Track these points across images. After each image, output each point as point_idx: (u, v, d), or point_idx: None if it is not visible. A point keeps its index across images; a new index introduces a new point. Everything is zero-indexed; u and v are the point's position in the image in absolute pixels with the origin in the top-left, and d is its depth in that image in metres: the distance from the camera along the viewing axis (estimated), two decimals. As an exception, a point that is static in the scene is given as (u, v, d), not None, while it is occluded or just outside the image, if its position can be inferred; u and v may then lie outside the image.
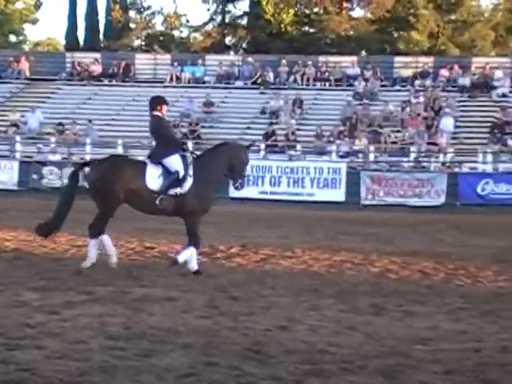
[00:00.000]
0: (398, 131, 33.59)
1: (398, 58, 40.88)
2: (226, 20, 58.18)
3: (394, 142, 32.85)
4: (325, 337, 8.08)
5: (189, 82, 39.67)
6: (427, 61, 39.55)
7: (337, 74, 38.95)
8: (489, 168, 31.18)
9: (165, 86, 39.38)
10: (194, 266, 11.83)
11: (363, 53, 41.86)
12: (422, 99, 35.67)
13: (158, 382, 6.44)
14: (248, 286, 10.90)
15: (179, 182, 11.74)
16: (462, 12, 55.10)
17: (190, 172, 11.80)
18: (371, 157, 32.06)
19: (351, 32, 54.45)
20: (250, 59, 40.33)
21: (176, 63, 40.32)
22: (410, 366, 7.04)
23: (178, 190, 11.74)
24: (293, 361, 7.09)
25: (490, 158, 31.79)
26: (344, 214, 24.80)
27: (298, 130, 34.39)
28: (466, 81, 37.28)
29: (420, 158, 31.79)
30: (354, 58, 40.24)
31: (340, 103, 36.38)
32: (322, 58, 40.43)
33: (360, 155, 32.22)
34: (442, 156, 32.39)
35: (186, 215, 11.91)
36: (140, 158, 12.95)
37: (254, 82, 38.95)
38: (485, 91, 36.88)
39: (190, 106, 36.37)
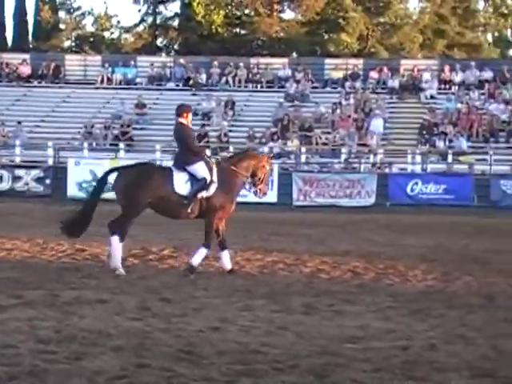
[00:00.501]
0: (329, 133, 33.90)
1: (328, 60, 41.23)
2: (158, 21, 57.93)
3: (325, 144, 33.13)
4: (257, 337, 8.12)
5: (120, 84, 39.40)
6: (357, 63, 39.99)
7: (268, 76, 39.13)
8: (418, 169, 31.68)
9: (96, 88, 39.08)
10: (195, 262, 12.26)
11: (294, 55, 42.10)
12: (352, 101, 36.07)
13: (90, 385, 6.40)
14: (180, 288, 10.89)
15: (206, 186, 12.25)
16: (390, 15, 55.81)
17: (214, 177, 12.32)
18: (303, 158, 32.28)
19: (282, 34, 54.72)
20: (181, 61, 40.24)
21: (107, 64, 40.02)
22: (340, 364, 7.12)
23: (205, 194, 12.25)
24: (225, 361, 7.11)
25: (418, 158, 32.31)
26: (276, 215, 24.92)
27: (230, 131, 34.47)
28: (395, 83, 37.82)
29: (350, 159, 32.15)
30: (285, 60, 40.47)
31: (271, 105, 36.54)
32: (253, 60, 40.60)
33: (292, 156, 32.43)
34: (372, 157, 32.81)
35: (208, 217, 12.39)
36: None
37: (186, 84, 38.89)
38: (413, 93, 37.47)
39: (121, 107, 36.12)
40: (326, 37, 55.64)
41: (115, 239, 12.02)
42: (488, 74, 37.50)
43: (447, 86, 37.52)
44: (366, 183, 29.56)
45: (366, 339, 8.16)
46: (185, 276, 11.93)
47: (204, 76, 38.97)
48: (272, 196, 29.34)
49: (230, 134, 34.08)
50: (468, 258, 14.93)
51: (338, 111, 35.30)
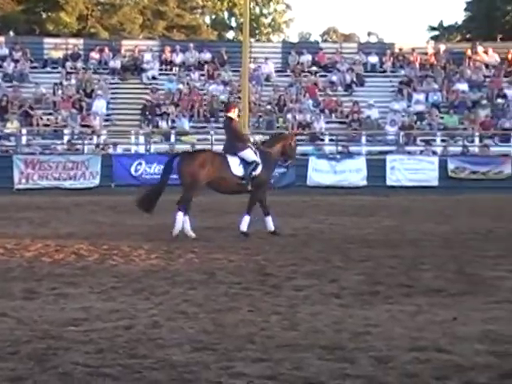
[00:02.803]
0: (51, 114, 33.19)
1: (47, 40, 40.25)
2: None
3: (46, 125, 32.41)
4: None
5: None
6: (77, 43, 39.35)
7: (-16, 55, 37.56)
8: (141, 149, 31.87)
9: None
10: (244, 227, 15.17)
11: (11, 33, 40.66)
12: (73, 81, 35.54)
13: None
14: None
15: (255, 167, 15.15)
16: (110, -5, 55.44)
17: (258, 159, 15.21)
18: (23, 140, 31.37)
19: (-3, 11, 52.63)
20: None
21: None
22: (62, 348, 7.00)
23: (255, 173, 15.16)
24: None
25: (142, 139, 32.52)
26: (-4, 199, 24.05)
27: None
28: (116, 63, 37.66)
29: (73, 141, 31.70)
30: (2, 39, 38.99)
31: (-10, 85, 35.08)
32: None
33: (12, 138, 31.40)
34: (95, 138, 32.59)
35: (256, 190, 15.27)
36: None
37: None
38: (135, 74, 37.53)
39: None
40: (45, 16, 54.22)
41: (179, 214, 14.84)
42: (207, 56, 38.38)
43: (168, 67, 37.94)
44: (90, 164, 29.29)
45: (90, 321, 8.08)
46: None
47: None
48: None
49: None
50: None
51: (60, 92, 34.65)
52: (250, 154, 15.20)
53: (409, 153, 31.19)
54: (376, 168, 29.23)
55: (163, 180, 15.23)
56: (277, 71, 38.27)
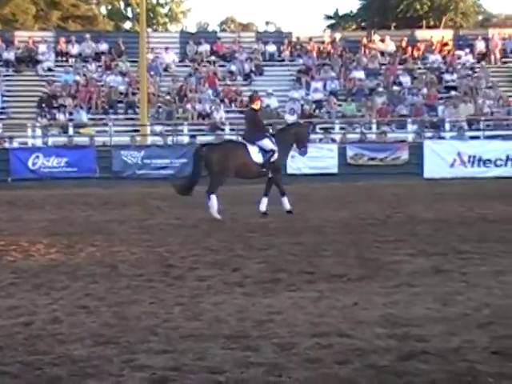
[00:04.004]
0: None
1: None
2: None
3: None
4: None
5: None
6: (-32, 35, 38.29)
7: None
8: (38, 142, 31.30)
9: None
10: (287, 206, 16.89)
11: None
12: (-35, 74, 34.61)
13: None
14: None
15: (273, 154, 16.79)
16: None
17: (275, 147, 16.82)
18: None
19: None
20: None
21: None
22: (-40, 347, 6.83)
23: (272, 159, 16.81)
24: None
25: (39, 132, 31.94)
26: None
27: None
28: (10, 55, 36.84)
29: (-32, 135, 30.89)
30: None
31: None
32: None
33: None
34: (-9, 132, 31.83)
35: (274, 174, 16.94)
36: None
37: None
38: (30, 65, 36.78)
39: None
40: None
41: (213, 198, 16.34)
42: (104, 46, 37.90)
43: (64, 58, 37.32)
44: (-15, 159, 28.59)
45: (-13, 319, 7.91)
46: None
47: None
48: None
49: None
50: (92, 229, 15.04)
51: (-49, 85, 33.70)
52: (268, 143, 16.86)
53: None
54: (277, 157, 29.49)
55: (197, 169, 16.87)
56: (176, 61, 38.09)
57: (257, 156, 16.76)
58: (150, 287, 9.44)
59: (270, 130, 18.93)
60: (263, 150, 16.81)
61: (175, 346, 6.80)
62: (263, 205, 16.84)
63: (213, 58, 38.19)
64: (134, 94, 34.53)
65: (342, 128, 33.24)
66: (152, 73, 35.58)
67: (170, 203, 20.14)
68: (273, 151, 16.81)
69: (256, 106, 17.34)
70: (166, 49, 37.90)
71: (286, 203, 16.93)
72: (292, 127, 18.22)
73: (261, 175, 17.10)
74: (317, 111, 34.37)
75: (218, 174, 16.59)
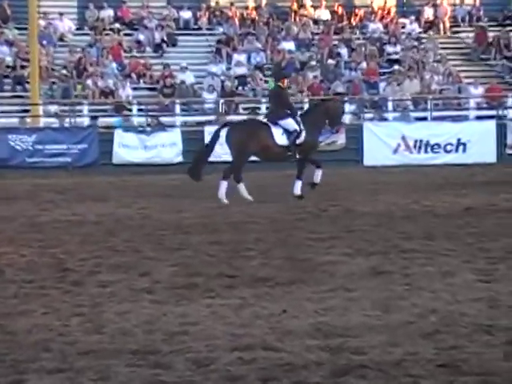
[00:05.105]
0: None
1: None
2: None
3: None
4: None
5: None
6: None
7: None
8: None
9: None
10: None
11: None
12: None
13: None
14: None
15: (298, 136, 18.07)
16: None
17: (302, 127, 18.09)
18: None
19: None
20: None
21: None
22: None
23: (298, 141, 18.11)
24: None
25: None
26: None
27: None
28: None
29: None
30: None
31: None
32: None
33: None
34: None
35: (302, 157, 18.37)
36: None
37: None
38: None
39: None
40: None
41: (223, 183, 17.92)
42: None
43: None
44: None
45: None
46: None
47: None
48: None
49: None
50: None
51: None
52: (291, 123, 18.17)
53: (230, 123, 31.53)
54: (193, 141, 29.27)
55: (209, 147, 18.48)
56: (73, 29, 37.70)
57: (281, 138, 18.14)
58: (42, 295, 9.39)
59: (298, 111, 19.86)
60: (287, 132, 18.17)
61: (72, 364, 6.78)
62: (297, 188, 18.34)
63: (117, 25, 37.89)
64: (23, 67, 34.04)
65: (268, 108, 33.29)
66: (44, 42, 35.13)
67: (67, 196, 20.02)
68: (297, 132, 18.09)
69: (283, 84, 18.96)
70: (61, 14, 37.45)
71: (318, 177, 18.57)
72: (323, 104, 19.88)
73: (286, 158, 18.66)
74: (240, 88, 34.42)
75: (240, 155, 18.15)
